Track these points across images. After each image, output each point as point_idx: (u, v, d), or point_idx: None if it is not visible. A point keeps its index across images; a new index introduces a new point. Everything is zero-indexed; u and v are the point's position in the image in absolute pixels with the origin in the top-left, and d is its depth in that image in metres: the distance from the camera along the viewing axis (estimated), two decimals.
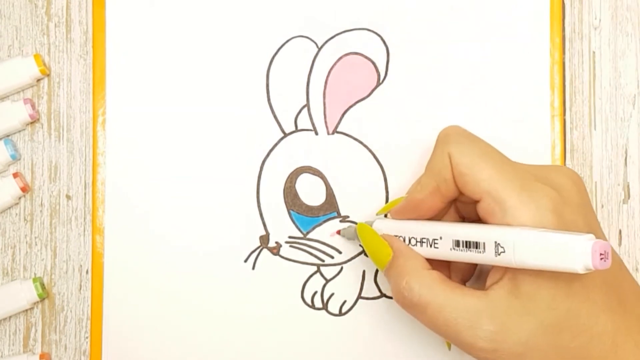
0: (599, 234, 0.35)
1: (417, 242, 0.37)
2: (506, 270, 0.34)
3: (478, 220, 0.35)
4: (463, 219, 0.39)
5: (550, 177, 0.35)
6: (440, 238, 0.36)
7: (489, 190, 0.34)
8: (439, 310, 0.34)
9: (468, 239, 0.34)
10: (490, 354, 0.33)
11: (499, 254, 0.32)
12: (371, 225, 0.40)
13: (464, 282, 0.39)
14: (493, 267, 0.35)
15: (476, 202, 0.35)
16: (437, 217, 0.38)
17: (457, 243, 0.35)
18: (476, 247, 0.34)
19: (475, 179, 0.34)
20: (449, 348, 0.41)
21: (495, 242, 0.33)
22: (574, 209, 0.34)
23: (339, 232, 0.43)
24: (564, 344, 0.33)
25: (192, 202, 0.43)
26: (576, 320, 0.33)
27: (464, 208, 0.38)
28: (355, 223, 0.42)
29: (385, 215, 0.41)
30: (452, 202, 0.38)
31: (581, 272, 0.30)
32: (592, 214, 0.35)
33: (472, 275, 0.40)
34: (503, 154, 0.36)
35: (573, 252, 0.30)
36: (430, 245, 0.36)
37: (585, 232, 0.31)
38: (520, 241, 0.32)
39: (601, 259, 0.30)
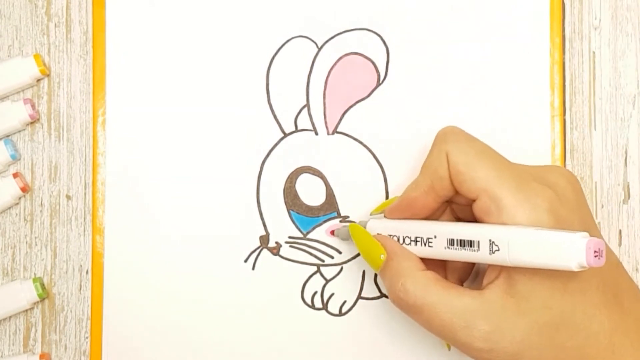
0: (595, 233, 0.35)
1: (411, 241, 0.37)
2: (502, 269, 0.34)
3: (474, 222, 0.35)
4: (459, 221, 0.39)
5: (546, 176, 0.35)
6: (435, 237, 0.35)
7: (485, 188, 0.34)
8: (434, 311, 0.34)
9: (462, 238, 0.34)
10: (486, 353, 0.33)
11: (493, 252, 0.32)
12: (365, 225, 0.40)
13: (460, 282, 0.39)
14: (489, 266, 0.35)
15: (472, 201, 0.35)
16: (432, 218, 0.38)
17: (452, 242, 0.35)
18: (470, 246, 0.34)
19: (471, 177, 0.34)
20: (449, 348, 0.41)
21: (490, 241, 0.32)
22: (569, 208, 0.34)
23: (332, 233, 0.43)
24: (560, 343, 0.33)
25: (192, 202, 0.43)
26: (572, 319, 0.33)
27: (459, 210, 0.38)
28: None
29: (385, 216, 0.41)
30: (447, 203, 0.38)
31: (575, 269, 0.30)
32: (588, 213, 0.35)
33: (469, 276, 0.40)
34: (500, 154, 0.36)
35: (567, 250, 0.30)
36: (425, 244, 0.36)
37: (581, 231, 0.31)
38: (514, 239, 0.32)
39: (595, 256, 0.30)
